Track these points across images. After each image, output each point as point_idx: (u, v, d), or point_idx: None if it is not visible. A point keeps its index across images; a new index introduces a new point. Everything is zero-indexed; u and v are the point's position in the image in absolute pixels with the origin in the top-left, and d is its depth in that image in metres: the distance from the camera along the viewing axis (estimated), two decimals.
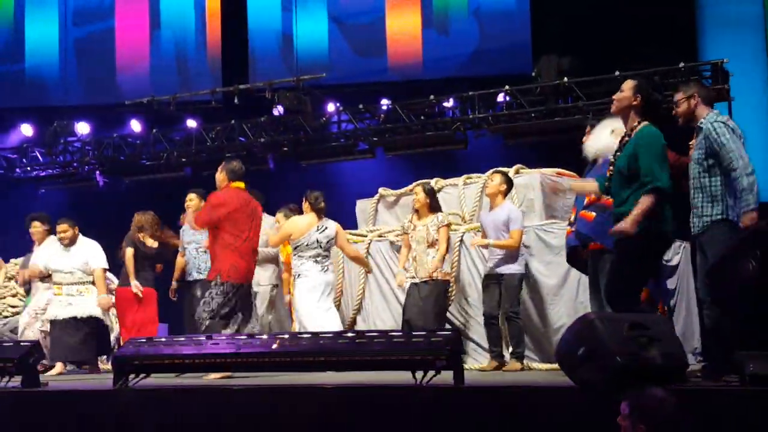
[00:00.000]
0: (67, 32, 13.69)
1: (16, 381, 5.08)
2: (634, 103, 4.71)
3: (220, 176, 6.75)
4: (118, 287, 8.08)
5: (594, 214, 5.60)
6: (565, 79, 9.94)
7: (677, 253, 7.70)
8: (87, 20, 13.72)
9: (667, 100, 7.27)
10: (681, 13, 10.96)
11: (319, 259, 7.22)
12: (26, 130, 13.37)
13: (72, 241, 8.03)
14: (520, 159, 8.43)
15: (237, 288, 6.38)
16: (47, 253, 8.16)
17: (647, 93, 4.77)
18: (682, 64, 9.39)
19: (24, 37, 13.85)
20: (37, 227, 8.36)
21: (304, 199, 7.40)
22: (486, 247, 7.04)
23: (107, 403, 4.74)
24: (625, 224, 4.47)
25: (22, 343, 5.56)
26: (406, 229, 7.45)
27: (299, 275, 7.20)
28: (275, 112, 11.76)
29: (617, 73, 9.25)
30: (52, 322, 7.84)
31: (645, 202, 4.47)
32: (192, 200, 7.94)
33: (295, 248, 7.26)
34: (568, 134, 9.26)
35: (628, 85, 4.78)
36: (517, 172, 7.95)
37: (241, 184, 6.69)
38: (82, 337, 7.83)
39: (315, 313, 7.07)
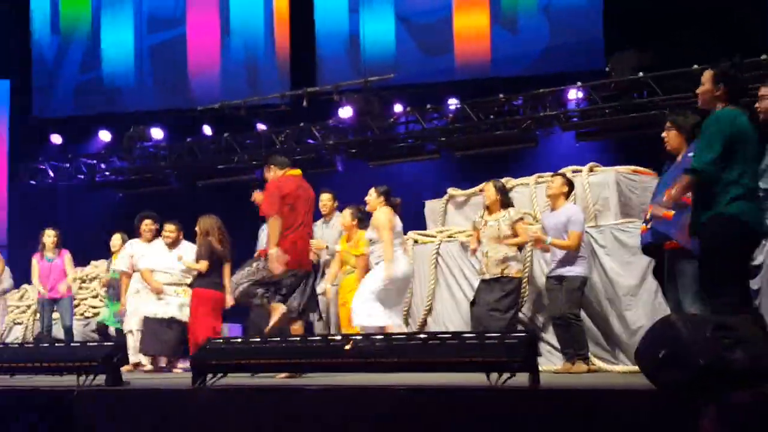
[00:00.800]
0: (142, 40, 14.03)
1: (100, 379, 5.20)
2: (717, 93, 4.51)
3: (270, 174, 6.62)
4: (195, 288, 8.23)
5: (673, 212, 5.47)
6: (641, 74, 9.74)
7: (761, 252, 7.45)
8: (160, 28, 14.03)
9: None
10: (761, 4, 10.66)
11: (404, 247, 7.34)
12: (104, 136, 13.76)
13: (175, 243, 8.24)
14: (592, 157, 8.31)
15: (301, 272, 6.34)
16: (149, 251, 8.37)
17: (730, 79, 4.54)
18: (764, 56, 9.12)
19: (100, 46, 14.23)
20: (148, 225, 8.57)
21: (376, 193, 7.33)
22: (541, 245, 6.92)
23: (187, 402, 4.82)
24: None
25: (105, 343, 5.70)
26: (476, 225, 7.39)
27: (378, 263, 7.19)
28: (342, 114, 11.83)
29: (695, 66, 9.02)
30: (148, 319, 8.05)
31: (681, 180, 4.35)
32: (330, 200, 8.32)
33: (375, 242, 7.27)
34: (643, 130, 9.10)
35: (707, 77, 4.57)
36: (591, 170, 7.81)
37: (297, 171, 6.59)
38: (177, 335, 8.08)
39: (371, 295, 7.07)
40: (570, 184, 7.09)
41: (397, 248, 7.11)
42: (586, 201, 7.42)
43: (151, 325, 8.05)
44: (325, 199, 8.31)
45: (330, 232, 8.23)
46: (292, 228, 6.28)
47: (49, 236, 9.11)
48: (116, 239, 9.11)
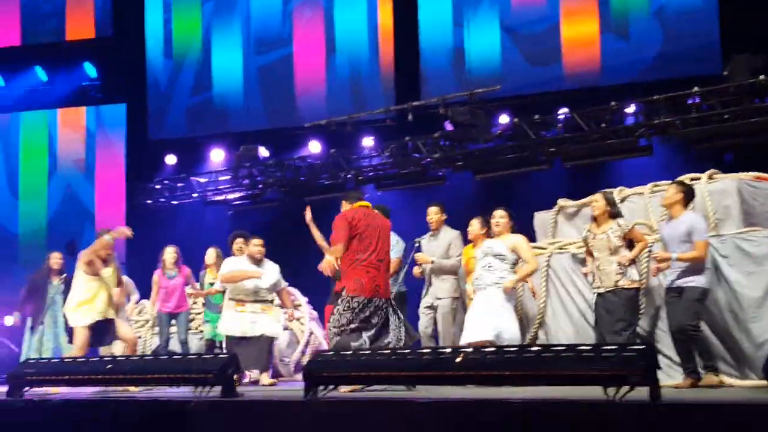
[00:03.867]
0: (250, 61, 14.36)
1: (215, 391, 5.29)
2: None
3: (344, 207, 6.91)
4: (329, 305, 8.35)
5: None
6: (761, 77, 9.33)
7: None
8: (268, 48, 14.35)
9: None
10: None
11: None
12: (216, 156, 14.13)
13: (262, 259, 8.35)
14: (711, 164, 7.98)
15: (364, 302, 6.40)
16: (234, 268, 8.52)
17: None
18: None
19: (211, 69, 14.65)
20: (239, 244, 8.72)
21: (508, 218, 7.35)
22: (665, 264, 6.66)
23: (299, 413, 4.85)
24: None
25: (220, 356, 5.80)
26: (585, 238, 7.21)
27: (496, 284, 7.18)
28: (448, 127, 11.80)
29: None
30: (232, 338, 8.14)
31: None
32: (437, 213, 8.23)
33: (516, 261, 7.25)
34: (765, 135, 8.71)
35: None
36: (710, 177, 7.49)
37: (364, 203, 6.84)
38: (266, 348, 8.21)
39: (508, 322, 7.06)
40: (688, 192, 6.81)
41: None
42: (705, 210, 7.12)
43: (237, 345, 8.07)
44: (432, 212, 8.26)
45: (437, 244, 8.16)
46: (364, 256, 6.50)
47: (170, 253, 9.37)
48: (210, 253, 9.32)
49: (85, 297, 7.46)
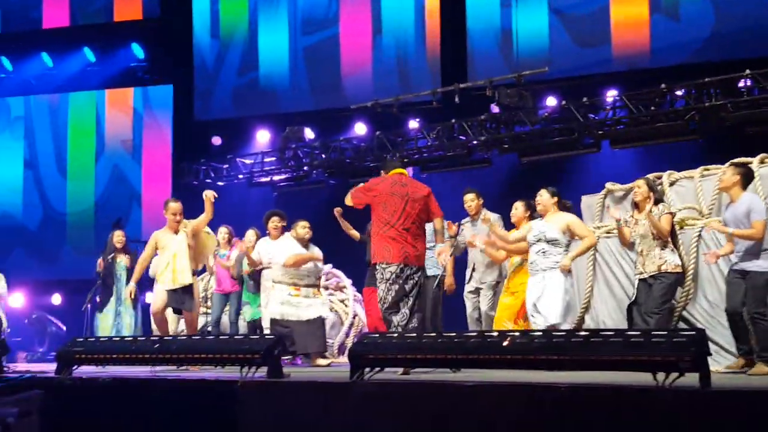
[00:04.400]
0: (297, 41, 14.37)
1: (262, 372, 5.34)
2: None
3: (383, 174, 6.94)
4: (366, 287, 8.36)
5: None
6: None
7: None
8: (314, 29, 14.34)
9: None
10: None
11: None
12: (261, 136, 14.20)
13: (309, 242, 8.38)
14: (764, 148, 7.81)
15: (395, 271, 6.39)
16: (281, 249, 8.54)
17: None
18: None
19: (258, 48, 14.70)
20: (275, 222, 8.74)
21: (549, 194, 7.25)
22: (724, 250, 6.56)
23: (345, 395, 4.87)
24: None
25: (267, 337, 5.84)
26: (627, 224, 7.12)
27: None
28: (495, 110, 11.71)
29: None
30: (291, 322, 8.14)
31: None
32: (474, 199, 8.20)
33: (569, 243, 7.16)
34: None
35: None
36: (762, 161, 7.35)
37: (398, 170, 6.74)
38: (323, 330, 8.27)
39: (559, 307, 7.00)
40: (746, 173, 6.68)
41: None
42: (756, 193, 6.98)
43: (297, 328, 8.10)
44: (468, 198, 8.17)
45: (478, 229, 8.11)
46: (389, 225, 6.47)
47: (222, 233, 9.43)
48: (250, 234, 9.34)
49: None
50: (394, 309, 6.38)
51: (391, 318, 6.38)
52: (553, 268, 7.00)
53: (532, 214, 7.63)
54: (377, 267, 6.51)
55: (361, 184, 6.77)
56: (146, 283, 9.83)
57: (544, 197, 7.25)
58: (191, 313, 7.82)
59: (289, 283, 8.20)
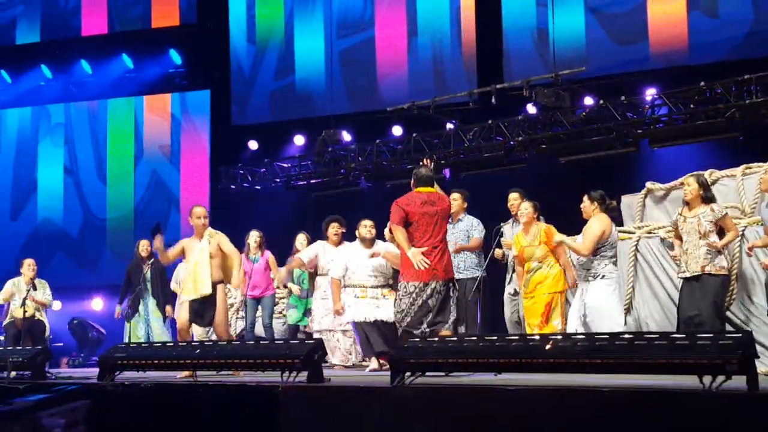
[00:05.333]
0: (332, 44, 14.40)
1: (302, 376, 5.34)
2: None
3: (412, 182, 7.00)
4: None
5: None
6: None
7: None
8: (350, 32, 14.37)
9: None
10: None
11: (615, 260, 7.08)
12: (298, 140, 14.26)
13: (374, 241, 8.25)
14: None
15: (420, 287, 6.49)
16: (345, 254, 8.50)
17: None
18: None
19: (294, 52, 14.77)
20: (335, 229, 8.70)
21: (589, 200, 7.18)
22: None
23: (385, 399, 4.85)
24: None
25: (306, 341, 5.85)
26: (676, 222, 7.02)
27: (603, 276, 7.01)
28: (531, 110, 11.64)
29: None
30: (359, 324, 7.90)
31: None
32: (456, 200, 8.07)
33: (599, 249, 7.08)
34: None
35: None
36: None
37: (426, 189, 6.83)
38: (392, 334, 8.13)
39: (620, 318, 6.90)
40: None
41: (608, 261, 6.93)
42: None
43: (367, 330, 7.86)
44: (512, 198, 8.14)
45: (517, 232, 8.07)
46: (420, 243, 6.60)
47: (254, 237, 9.46)
48: (301, 238, 9.36)
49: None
50: (413, 321, 6.49)
51: (410, 330, 6.47)
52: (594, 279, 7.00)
53: (539, 215, 7.62)
54: (402, 281, 6.66)
55: (394, 210, 6.77)
56: (172, 295, 9.97)
57: (585, 203, 7.23)
58: (218, 326, 7.55)
59: (356, 285, 7.96)
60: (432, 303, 6.51)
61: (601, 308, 6.91)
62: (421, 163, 7.35)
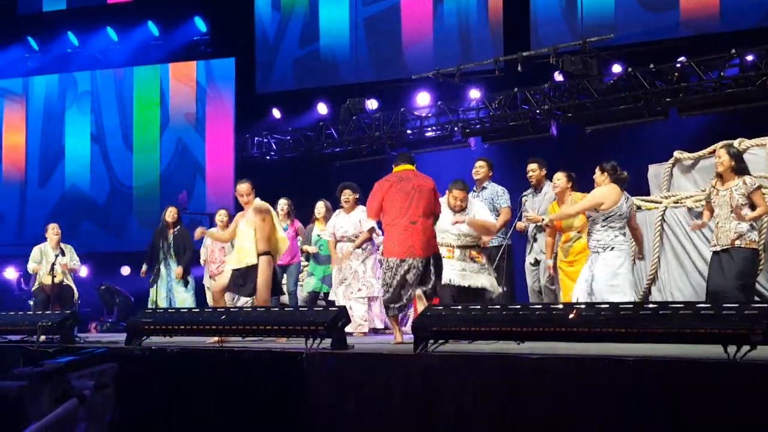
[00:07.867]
0: (357, 12, 14.30)
1: (326, 343, 5.38)
2: None
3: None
4: None
5: None
6: None
7: None
8: None
9: None
10: None
11: (625, 231, 6.91)
12: (322, 108, 14.22)
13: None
14: None
15: (397, 263, 6.52)
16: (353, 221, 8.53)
17: None
18: None
19: (318, 19, 14.69)
20: (347, 195, 8.72)
21: (600, 171, 7.08)
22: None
23: (408, 367, 4.87)
24: None
25: (330, 308, 5.88)
26: (709, 194, 6.93)
27: (612, 248, 6.90)
28: (558, 78, 11.51)
29: None
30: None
31: None
32: (482, 167, 8.15)
33: (605, 219, 6.94)
34: None
35: None
36: None
37: (404, 166, 6.84)
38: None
39: (629, 291, 6.84)
40: None
41: (618, 233, 6.81)
42: None
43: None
44: (531, 168, 8.07)
45: (540, 200, 8.01)
46: (396, 220, 6.61)
47: (282, 205, 9.48)
48: (320, 206, 9.36)
49: None
50: (396, 299, 6.53)
51: (389, 305, 6.55)
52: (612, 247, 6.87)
53: (574, 185, 7.52)
54: (384, 259, 6.71)
55: (371, 193, 6.85)
56: (198, 262, 10.06)
57: (596, 174, 7.10)
58: (259, 298, 7.46)
59: (442, 243, 7.25)
60: (410, 278, 6.54)
61: (607, 280, 6.79)
62: None
